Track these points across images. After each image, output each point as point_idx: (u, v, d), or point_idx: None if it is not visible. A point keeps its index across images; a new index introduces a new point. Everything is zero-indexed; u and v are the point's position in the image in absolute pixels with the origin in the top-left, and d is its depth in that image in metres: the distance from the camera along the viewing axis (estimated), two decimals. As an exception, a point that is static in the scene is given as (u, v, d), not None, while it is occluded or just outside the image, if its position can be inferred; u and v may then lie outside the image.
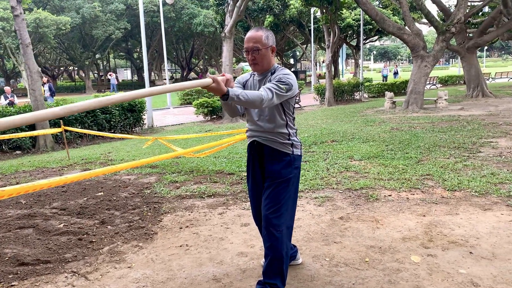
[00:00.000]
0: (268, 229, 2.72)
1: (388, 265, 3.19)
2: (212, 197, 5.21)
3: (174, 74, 63.00)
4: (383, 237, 3.71)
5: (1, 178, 6.93)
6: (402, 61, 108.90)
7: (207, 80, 2.37)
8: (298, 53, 62.69)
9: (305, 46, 40.11)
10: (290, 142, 2.78)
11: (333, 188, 5.26)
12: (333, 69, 29.36)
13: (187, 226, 4.23)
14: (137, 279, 3.18)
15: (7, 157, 9.98)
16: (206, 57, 54.48)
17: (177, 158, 7.56)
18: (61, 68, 53.12)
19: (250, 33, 2.70)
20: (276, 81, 2.59)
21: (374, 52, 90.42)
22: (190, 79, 53.92)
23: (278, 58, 51.98)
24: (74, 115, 11.38)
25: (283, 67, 2.75)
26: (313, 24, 30.76)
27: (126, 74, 69.13)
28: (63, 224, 4.42)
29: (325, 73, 23.15)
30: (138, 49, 49.61)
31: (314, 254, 3.46)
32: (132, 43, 48.09)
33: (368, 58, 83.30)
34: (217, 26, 29.53)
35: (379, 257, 3.34)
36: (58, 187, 5.85)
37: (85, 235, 4.07)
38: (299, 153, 2.85)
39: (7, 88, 16.76)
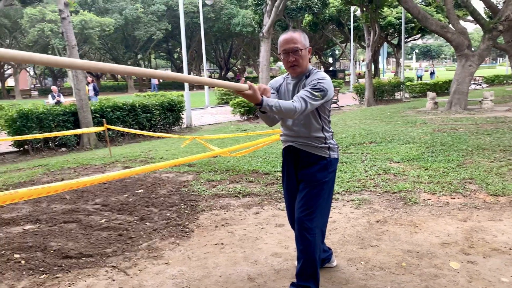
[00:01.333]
0: (301, 232, 2.71)
1: (425, 270, 3.12)
2: (247, 196, 5.25)
3: (212, 74, 63.79)
4: (421, 242, 3.62)
5: (48, 174, 7.27)
6: (445, 60, 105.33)
7: (244, 86, 2.40)
8: (337, 52, 61.94)
9: (344, 45, 39.58)
10: (326, 145, 2.75)
11: (371, 190, 5.18)
12: (373, 68, 28.84)
13: (222, 225, 4.29)
14: (174, 275, 3.26)
15: (54, 154, 10.45)
16: (244, 57, 54.82)
17: (214, 157, 7.67)
18: (105, 68, 54.93)
19: (287, 35, 2.65)
20: (310, 88, 2.54)
21: (417, 51, 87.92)
22: (228, 79, 54.47)
23: (317, 57, 51.55)
24: (116, 114, 11.75)
25: (318, 70, 2.69)
26: (353, 23, 30.30)
27: (166, 74, 70.57)
28: (104, 219, 4.59)
29: (364, 72, 22.75)
30: (178, 50, 50.58)
31: (350, 257, 3.42)
32: (172, 43, 49.08)
33: (410, 57, 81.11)
34: (256, 26, 29.64)
35: (416, 262, 3.27)
36: (100, 184, 6.08)
37: (125, 231, 4.21)
38: (336, 156, 2.82)
39: (54, 88, 17.51)
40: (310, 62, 2.75)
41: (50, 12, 29.57)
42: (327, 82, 2.60)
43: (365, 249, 3.55)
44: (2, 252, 3.78)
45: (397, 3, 24.00)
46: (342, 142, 8.43)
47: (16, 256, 3.69)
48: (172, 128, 13.83)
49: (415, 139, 8.46)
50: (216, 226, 4.26)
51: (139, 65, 51.23)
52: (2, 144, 10.48)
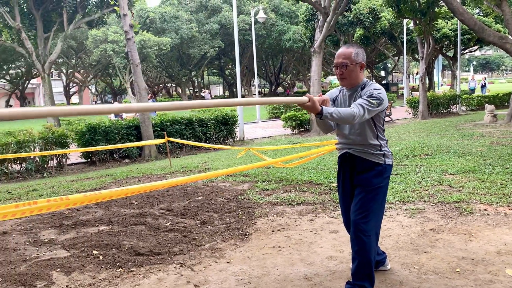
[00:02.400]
0: (356, 234, 2.87)
1: (480, 276, 3.18)
2: (301, 205, 5.45)
3: (262, 89, 64.66)
4: (476, 250, 3.66)
5: (115, 182, 7.85)
6: (506, 72, 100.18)
7: (303, 98, 2.58)
8: (389, 65, 60.87)
9: (397, 58, 38.93)
10: (382, 152, 2.91)
11: (425, 201, 5.21)
12: (427, 81, 28.13)
13: (278, 230, 4.52)
14: (236, 272, 3.52)
15: (118, 164, 11.19)
16: (294, 71, 55.23)
17: (267, 168, 7.94)
18: (160, 85, 57.37)
19: (341, 50, 2.88)
20: (367, 97, 2.73)
21: (474, 63, 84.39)
22: (278, 94, 54.99)
23: (369, 70, 50.95)
24: (175, 127, 12.38)
25: (373, 82, 2.89)
26: (406, 36, 29.84)
27: (218, 90, 72.52)
28: (169, 222, 4.96)
29: (418, 85, 22.30)
30: (229, 66, 51.90)
31: (403, 261, 3.53)
32: (225, 60, 50.44)
33: (467, 69, 78.00)
34: (306, 41, 29.96)
35: (471, 268, 3.33)
36: (163, 191, 6.52)
37: (189, 233, 4.55)
38: (391, 163, 2.97)
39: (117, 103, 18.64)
40: (363, 75, 2.94)
41: (112, 33, 31.54)
42: (382, 92, 2.80)
43: (419, 255, 3.64)
44: (82, 249, 4.22)
45: (452, 15, 23.46)
46: (396, 155, 8.43)
47: (95, 252, 4.12)
48: (226, 141, 14.31)
49: (472, 152, 8.29)
50: (273, 231, 4.49)
51: (193, 82, 53.05)
52: (72, 155, 11.36)
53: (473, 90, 29.26)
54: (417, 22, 17.31)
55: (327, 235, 4.29)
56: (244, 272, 3.52)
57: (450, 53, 34.08)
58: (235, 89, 51.08)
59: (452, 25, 28.22)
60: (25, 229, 4.97)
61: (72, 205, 3.25)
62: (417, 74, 59.04)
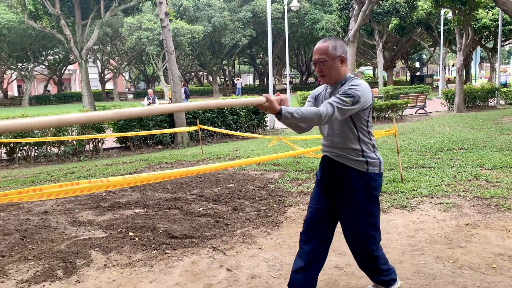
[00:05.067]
0: (363, 259, 2.74)
1: (518, 273, 3.11)
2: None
3: (293, 79, 64.25)
4: (514, 247, 3.57)
5: (148, 167, 8.04)
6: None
7: (260, 99, 2.38)
8: (424, 56, 59.23)
9: (432, 49, 37.81)
10: (364, 159, 2.54)
11: (460, 195, 5.10)
12: (464, 73, 27.22)
13: (310, 219, 4.53)
14: (267, 259, 3.58)
15: (151, 150, 11.43)
16: (326, 61, 54.47)
17: (298, 158, 7.93)
18: (192, 73, 57.86)
19: (317, 45, 2.59)
20: (340, 94, 2.43)
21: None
22: (309, 84, 54.46)
23: (403, 61, 49.72)
24: (207, 116, 12.52)
25: (355, 77, 2.56)
26: (443, 26, 28.90)
27: (248, 79, 72.54)
28: (202, 208, 5.06)
29: (454, 77, 21.64)
30: (261, 55, 51.72)
31: (437, 255, 3.49)
32: (256, 49, 50.28)
33: (506, 61, 74.92)
34: (339, 30, 29.47)
35: (508, 264, 3.26)
36: (196, 177, 6.64)
37: (221, 219, 4.63)
38: (377, 171, 2.58)
39: (150, 91, 18.96)
40: (346, 70, 2.61)
41: (147, 21, 31.95)
42: (361, 88, 2.44)
43: (453, 249, 3.59)
44: (119, 230, 4.37)
45: (493, 4, 22.55)
46: (430, 148, 8.25)
47: (131, 233, 4.26)
48: (256, 130, 14.35)
49: (510, 147, 8.02)
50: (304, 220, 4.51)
51: (224, 71, 53.23)
52: (108, 140, 11.68)
53: (504, 84, 27.98)
54: (456, 11, 16.73)
55: (359, 226, 4.26)
56: (276, 259, 3.56)
57: (490, 45, 32.82)
58: (265, 78, 50.98)
59: (493, 15, 27.12)
60: (65, 209, 5.18)
61: (112, 187, 3.37)
62: (453, 66, 57.22)
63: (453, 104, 18.57)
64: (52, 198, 3.28)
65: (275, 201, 5.24)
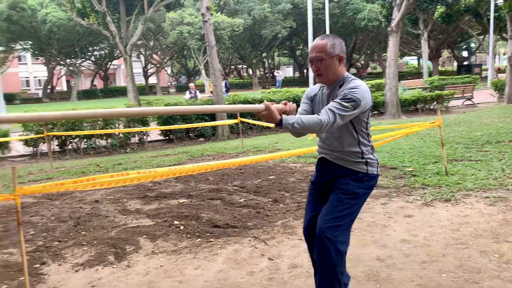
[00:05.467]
0: (322, 242, 2.43)
1: None
2: (375, 188, 5.39)
3: (334, 70, 63.17)
4: None
5: (191, 160, 8.26)
6: None
7: (259, 106, 2.29)
8: (472, 45, 56.69)
9: (482, 37, 36.12)
10: (364, 160, 2.51)
11: (508, 189, 4.94)
12: (516, 62, 25.79)
13: (351, 211, 4.54)
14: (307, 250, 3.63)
15: (193, 142, 11.72)
16: (368, 52, 53.36)
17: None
18: (232, 67, 58.29)
19: (315, 42, 2.49)
20: (340, 99, 2.34)
21: None
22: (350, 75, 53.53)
23: (449, 51, 47.83)
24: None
25: (354, 78, 2.47)
26: (493, 13, 27.52)
27: (288, 71, 72.22)
28: (243, 199, 5.18)
29: (505, 66, 20.63)
30: (301, 47, 51.32)
31: (482, 249, 3.43)
32: (296, 41, 49.92)
33: None
34: (382, 20, 28.74)
35: (558, 261, 3.15)
36: (237, 169, 6.77)
37: (262, 210, 4.72)
38: (375, 172, 2.55)
39: (191, 85, 19.31)
40: (343, 69, 2.51)
41: (188, 15, 32.44)
42: (361, 91, 2.36)
43: (499, 244, 3.51)
44: (165, 219, 4.57)
45: (550, -13, 21.22)
46: (477, 140, 7.98)
47: (176, 222, 4.44)
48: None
49: None
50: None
51: (263, 63, 53.20)
52: (152, 133, 12.06)
53: None
54: (508, -3, 15.91)
55: (401, 219, 4.24)
56: (316, 250, 3.61)
57: (545, 31, 30.91)
58: (305, 70, 50.56)
59: (549, -1, 25.55)
60: (114, 199, 5.45)
61: (159, 177, 3.54)
62: (504, 54, 54.42)
63: (503, 95, 17.74)
64: (104, 187, 3.48)
65: (316, 193, 5.26)
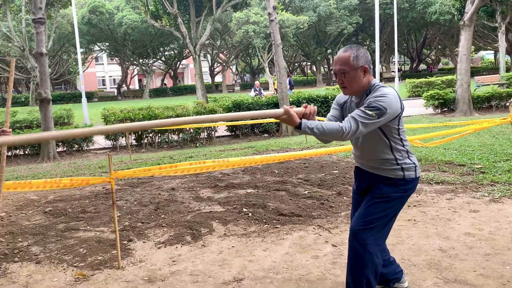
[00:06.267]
0: (352, 243, 2.52)
1: None
2: (440, 184, 5.39)
3: (402, 66, 61.17)
4: None
5: (257, 154, 8.61)
6: None
7: (279, 111, 2.35)
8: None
9: None
10: (399, 166, 2.48)
11: None
12: None
13: (414, 206, 4.62)
14: (370, 238, 3.79)
15: (258, 138, 12.11)
16: (439, 46, 51.00)
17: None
18: (295, 64, 58.35)
19: (338, 54, 2.48)
20: (364, 107, 2.32)
21: None
22: (420, 71, 51.48)
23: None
24: (310, 105, 12.80)
25: (382, 85, 2.43)
26: None
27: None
28: (307, 191, 5.41)
29: None
30: (367, 42, 50.23)
31: (550, 245, 3.40)
32: (362, 36, 48.95)
33: None
34: (455, 13, 27.41)
35: None
36: (301, 163, 7.01)
37: (325, 201, 4.93)
38: (413, 177, 2.51)
39: (257, 83, 19.79)
40: (371, 78, 2.49)
41: (254, 14, 33.08)
42: (388, 99, 2.31)
43: None
44: (235, 206, 4.92)
45: None
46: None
47: (244, 209, 4.77)
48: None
49: None
50: (409, 206, 4.61)
51: (327, 60, 52.68)
52: (220, 129, 12.61)
53: None
54: None
55: (466, 214, 4.26)
56: (379, 239, 3.76)
57: None
58: (372, 66, 49.38)
59: None
60: (188, 187, 5.92)
61: (231, 166, 3.87)
62: None
63: None
64: (184, 173, 3.88)
65: (379, 187, 5.37)
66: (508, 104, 14.99)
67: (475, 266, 3.16)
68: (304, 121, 2.31)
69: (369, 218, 2.48)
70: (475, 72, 37.30)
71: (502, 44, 27.64)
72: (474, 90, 16.88)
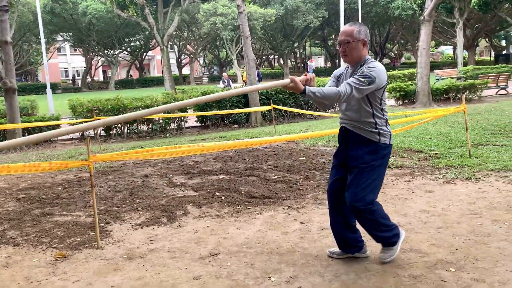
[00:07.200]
0: (357, 215, 2.96)
1: None
2: (400, 168, 5.78)
3: (367, 60, 62.45)
4: None
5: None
6: None
7: (286, 81, 2.79)
8: (512, 34, 54.69)
9: (521, 25, 34.97)
10: (377, 131, 2.89)
11: (528, 170, 5.22)
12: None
13: (376, 187, 4.96)
14: (336, 216, 4.10)
15: (228, 128, 12.31)
16: (402, 41, 52.48)
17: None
18: (263, 57, 58.63)
19: (344, 27, 2.94)
20: (358, 75, 2.76)
21: None
22: (384, 65, 52.87)
23: (487, 40, 46.41)
24: (279, 97, 13.10)
25: (373, 60, 2.88)
26: (534, 0, 26.69)
27: (320, 61, 71.88)
28: (277, 176, 5.68)
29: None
30: (333, 36, 51.07)
31: (494, 219, 3.80)
32: (328, 30, 49.75)
33: None
34: (416, 9, 28.40)
35: None
36: (270, 151, 7.27)
37: (294, 185, 5.21)
38: (387, 142, 2.93)
39: (225, 74, 19.95)
40: (366, 52, 2.91)
41: (222, 6, 33.03)
42: (377, 70, 2.77)
43: (511, 215, 3.86)
44: (208, 191, 5.12)
45: None
46: (505, 127, 8.16)
47: (218, 194, 4.99)
48: (327, 111, 14.68)
49: None
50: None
51: (295, 53, 53.26)
52: (189, 119, 12.72)
53: None
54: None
55: (422, 194, 4.63)
56: (343, 216, 4.07)
57: None
58: (337, 60, 50.33)
59: None
60: (161, 174, 6.06)
61: (206, 150, 4.07)
62: (547, 43, 52.27)
63: (540, 84, 17.45)
64: (160, 158, 4.04)
65: (344, 172, 5.70)
66: (464, 96, 15.81)
67: (428, 237, 3.51)
68: (307, 87, 2.76)
69: (361, 188, 2.88)
70: (435, 66, 38.75)
71: (460, 39, 28.86)
72: (434, 83, 17.66)
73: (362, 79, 2.74)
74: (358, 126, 2.93)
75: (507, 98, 15.94)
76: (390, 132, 2.97)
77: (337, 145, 3.20)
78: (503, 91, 17.74)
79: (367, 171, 2.88)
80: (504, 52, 46.68)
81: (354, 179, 2.91)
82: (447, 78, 20.24)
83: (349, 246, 3.15)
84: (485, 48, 66.49)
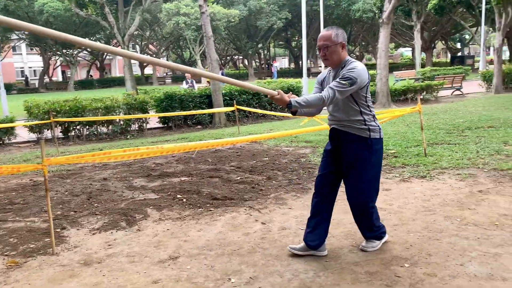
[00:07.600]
0: (360, 213, 3.22)
1: (516, 228, 3.53)
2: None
3: (330, 61, 63.55)
4: (519, 209, 3.97)
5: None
6: None
7: (274, 92, 2.95)
8: (467, 37, 57.17)
9: (474, 29, 36.64)
10: (366, 127, 3.02)
11: (479, 167, 5.46)
12: (508, 54, 26.36)
13: (336, 187, 5.05)
14: (296, 216, 4.15)
15: (191, 130, 12.19)
16: (363, 43, 53.75)
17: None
18: (228, 57, 58.55)
19: (322, 33, 3.04)
20: (339, 78, 2.89)
21: None
22: (346, 66, 53.95)
23: (443, 42, 48.26)
24: (243, 97, 13.10)
25: (353, 61, 2.99)
26: (485, 4, 28.01)
27: (284, 63, 72.53)
28: (239, 177, 5.68)
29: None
30: (296, 38, 51.68)
31: (447, 215, 3.95)
32: (291, 32, 50.27)
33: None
34: (376, 11, 29.17)
35: (510, 222, 3.68)
36: (233, 152, 7.27)
37: (256, 185, 5.23)
38: (378, 136, 3.06)
39: (188, 75, 19.66)
40: (345, 54, 3.02)
41: (184, 6, 32.72)
42: (357, 71, 2.89)
43: (462, 211, 4.04)
44: (169, 193, 5.06)
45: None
46: (459, 126, 8.51)
47: (179, 196, 4.94)
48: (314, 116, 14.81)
49: (541, 126, 8.16)
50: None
51: (259, 54, 53.45)
52: (151, 120, 12.51)
53: None
54: (496, -10, 16.39)
55: (380, 192, 4.75)
56: (303, 216, 4.12)
57: (536, 23, 31.42)
58: (301, 62, 50.91)
59: (539, -8, 26.01)
60: (121, 177, 5.94)
61: (166, 152, 4.02)
62: (498, 46, 54.90)
63: (491, 85, 18.31)
64: (118, 160, 3.96)
65: (305, 172, 5.79)
66: (421, 96, 16.38)
67: (384, 234, 3.60)
68: (292, 98, 2.90)
69: (362, 188, 3.10)
70: (394, 67, 39.91)
71: (417, 41, 29.88)
72: (393, 84, 18.18)
73: (343, 82, 2.86)
74: (347, 125, 3.04)
75: (462, 99, 16.64)
76: (379, 126, 3.10)
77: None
78: (458, 92, 18.49)
79: (364, 169, 3.05)
80: (459, 54, 48.65)
81: (353, 180, 3.09)
82: (405, 79, 20.90)
83: (318, 236, 3.20)
84: (441, 50, 69.13)
